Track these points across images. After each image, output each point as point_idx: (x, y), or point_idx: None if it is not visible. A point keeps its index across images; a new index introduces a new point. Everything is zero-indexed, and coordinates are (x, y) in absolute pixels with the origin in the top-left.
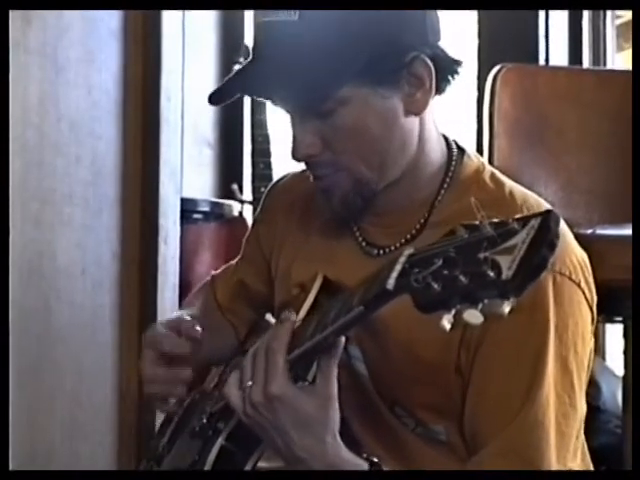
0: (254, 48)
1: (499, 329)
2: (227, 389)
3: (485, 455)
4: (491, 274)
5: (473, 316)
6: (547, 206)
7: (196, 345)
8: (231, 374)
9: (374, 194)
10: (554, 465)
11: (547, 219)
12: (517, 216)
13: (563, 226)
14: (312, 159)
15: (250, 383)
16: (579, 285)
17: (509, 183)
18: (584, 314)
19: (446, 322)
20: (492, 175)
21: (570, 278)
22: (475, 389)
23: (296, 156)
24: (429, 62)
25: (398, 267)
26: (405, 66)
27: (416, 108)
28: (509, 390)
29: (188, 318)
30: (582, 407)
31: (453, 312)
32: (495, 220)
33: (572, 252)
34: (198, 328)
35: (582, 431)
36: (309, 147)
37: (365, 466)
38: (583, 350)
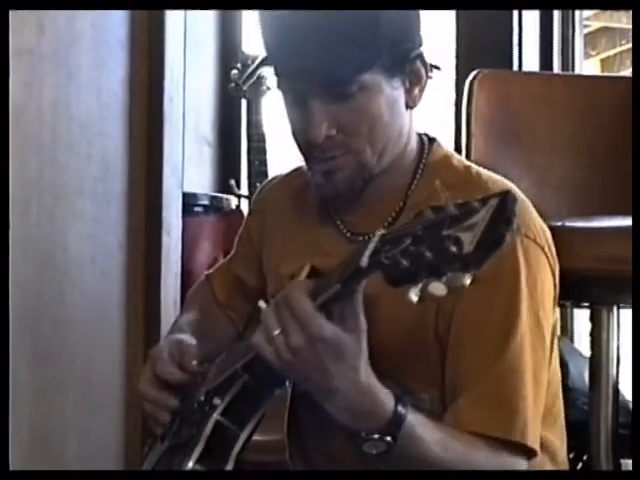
0: (281, 34)
1: (472, 291)
2: (256, 340)
3: (462, 400)
4: (454, 249)
5: (437, 288)
6: (511, 185)
7: (189, 376)
8: (255, 332)
9: (371, 178)
10: (530, 404)
11: (505, 199)
12: (478, 197)
13: (527, 201)
14: (327, 140)
15: (277, 332)
16: (543, 249)
17: (475, 166)
18: (548, 276)
19: (413, 295)
20: (460, 160)
21: (535, 241)
22: (453, 346)
23: (314, 136)
24: (427, 62)
25: (371, 246)
26: (409, 62)
27: (413, 102)
28: (485, 342)
29: (191, 346)
30: (551, 362)
31: (420, 285)
32: (458, 201)
33: (536, 221)
34: (195, 363)
35: (560, 402)
36: (328, 128)
37: (392, 397)
38: (550, 309)
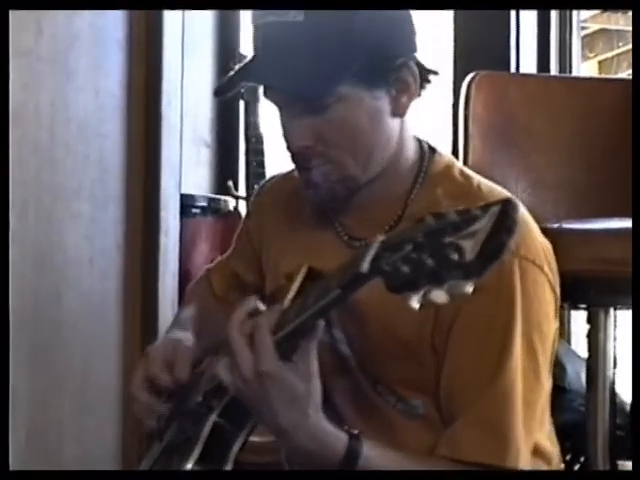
0: (257, 46)
1: (469, 311)
2: (219, 367)
3: (459, 425)
4: (455, 257)
5: (439, 296)
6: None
7: (180, 382)
8: (221, 355)
9: (358, 187)
10: (521, 431)
11: (506, 206)
12: (479, 204)
13: (527, 216)
14: (306, 151)
15: (239, 361)
16: (542, 269)
17: (477, 177)
18: (547, 296)
19: (415, 302)
20: (461, 170)
21: (534, 262)
22: (449, 366)
23: (292, 147)
24: (415, 69)
25: (371, 252)
26: (394, 71)
27: (400, 110)
28: (479, 366)
29: (188, 348)
30: (547, 381)
31: (421, 293)
32: (459, 208)
33: (536, 239)
34: (187, 370)
35: (548, 405)
36: (305, 139)
37: (345, 438)
38: (548, 329)
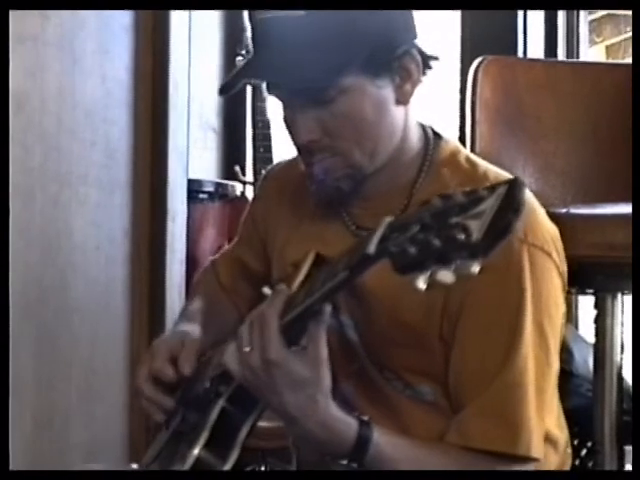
0: (258, 41)
1: (478, 299)
2: (226, 356)
3: (469, 412)
4: (462, 237)
5: (445, 276)
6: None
7: (184, 375)
8: (229, 343)
9: (364, 178)
10: (533, 417)
11: (512, 187)
12: (486, 185)
13: (534, 202)
14: (312, 144)
15: (247, 349)
16: (550, 255)
17: (483, 164)
18: (555, 282)
19: (421, 282)
20: (467, 157)
21: (542, 249)
22: (458, 355)
23: (299, 141)
24: (417, 56)
25: (378, 233)
26: (397, 59)
27: (404, 98)
28: (489, 354)
29: (194, 341)
30: (556, 364)
31: (428, 273)
32: (466, 189)
33: (543, 226)
34: (191, 365)
35: (556, 390)
36: (311, 132)
37: (355, 425)
38: (556, 314)
